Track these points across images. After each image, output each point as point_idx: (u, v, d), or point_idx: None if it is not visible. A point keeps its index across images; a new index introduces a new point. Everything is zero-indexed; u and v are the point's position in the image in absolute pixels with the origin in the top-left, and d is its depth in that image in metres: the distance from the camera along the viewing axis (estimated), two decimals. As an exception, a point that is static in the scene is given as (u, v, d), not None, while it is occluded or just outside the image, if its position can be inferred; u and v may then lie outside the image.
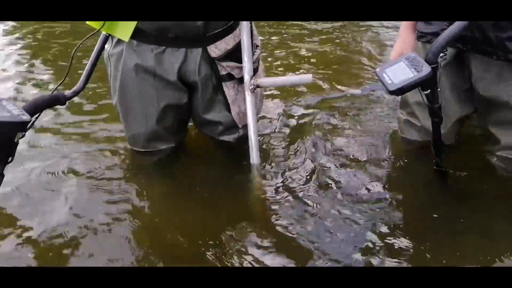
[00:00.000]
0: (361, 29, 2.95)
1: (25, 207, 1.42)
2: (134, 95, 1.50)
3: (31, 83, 2.32)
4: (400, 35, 1.62)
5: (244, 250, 1.23)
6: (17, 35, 3.01)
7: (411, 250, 1.21)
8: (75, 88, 1.38)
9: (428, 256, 1.19)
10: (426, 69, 1.17)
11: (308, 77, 1.43)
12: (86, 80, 1.40)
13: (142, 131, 1.57)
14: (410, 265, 1.17)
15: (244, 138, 1.59)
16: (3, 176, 1.32)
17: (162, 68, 1.46)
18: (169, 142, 1.63)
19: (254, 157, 1.50)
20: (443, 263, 1.17)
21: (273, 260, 1.20)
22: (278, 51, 2.62)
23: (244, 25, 1.40)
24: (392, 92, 1.21)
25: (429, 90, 1.23)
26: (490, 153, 1.49)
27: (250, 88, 1.43)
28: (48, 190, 1.48)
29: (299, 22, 3.04)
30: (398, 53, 1.60)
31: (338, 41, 2.77)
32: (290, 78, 1.80)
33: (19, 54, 2.69)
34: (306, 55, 2.57)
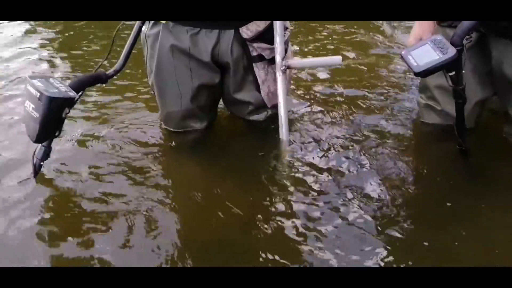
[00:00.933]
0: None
1: (59, 179, 1.50)
2: (170, 74, 1.58)
3: (75, 62, 2.44)
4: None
5: (270, 234, 1.28)
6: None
7: (425, 243, 1.23)
8: (115, 67, 1.47)
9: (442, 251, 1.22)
10: (452, 51, 1.23)
11: (338, 59, 1.49)
12: (125, 60, 1.49)
13: (177, 109, 1.65)
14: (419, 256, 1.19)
15: (273, 118, 1.67)
16: (51, 149, 1.43)
17: (197, 49, 1.53)
18: (202, 120, 1.71)
19: (284, 133, 1.58)
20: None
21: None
22: (304, 36, 2.68)
23: None
24: (417, 74, 1.27)
25: (453, 72, 1.29)
26: (510, 136, 1.55)
27: (281, 69, 1.49)
28: (82, 165, 1.56)
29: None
30: (417, 37, 1.63)
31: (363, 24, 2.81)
32: (320, 59, 1.84)
33: (63, 36, 2.82)
34: (333, 38, 2.63)
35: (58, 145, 1.61)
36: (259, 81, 1.62)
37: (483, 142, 1.61)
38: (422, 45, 1.30)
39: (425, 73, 1.26)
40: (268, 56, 1.58)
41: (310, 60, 1.89)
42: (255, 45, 1.56)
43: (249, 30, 1.52)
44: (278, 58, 1.49)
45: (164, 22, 1.49)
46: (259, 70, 1.61)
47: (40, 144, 1.41)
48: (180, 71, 1.57)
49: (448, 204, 1.35)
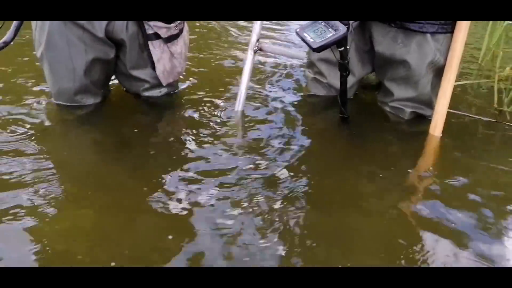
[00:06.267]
0: None
1: None
2: (62, 47, 1.49)
3: None
4: None
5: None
6: None
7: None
8: (4, 38, 1.37)
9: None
10: (343, 29, 1.38)
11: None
12: (16, 31, 1.38)
13: (70, 84, 1.57)
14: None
15: (168, 95, 1.70)
16: None
17: (90, 23, 1.47)
18: (96, 96, 1.65)
19: (240, 105, 1.66)
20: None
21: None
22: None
23: None
24: (315, 49, 1.40)
25: (342, 48, 1.45)
26: (383, 103, 1.80)
27: (254, 48, 1.55)
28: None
29: None
30: None
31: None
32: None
33: None
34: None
35: None
36: (154, 59, 1.62)
37: (360, 110, 1.83)
38: (315, 23, 1.43)
39: (321, 49, 1.40)
40: (164, 35, 1.59)
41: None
42: (151, 23, 1.55)
43: None
44: (254, 38, 1.53)
45: None
46: (154, 48, 1.60)
47: None
48: (73, 43, 1.49)
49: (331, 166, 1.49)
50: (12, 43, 1.35)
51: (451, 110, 1.72)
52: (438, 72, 1.60)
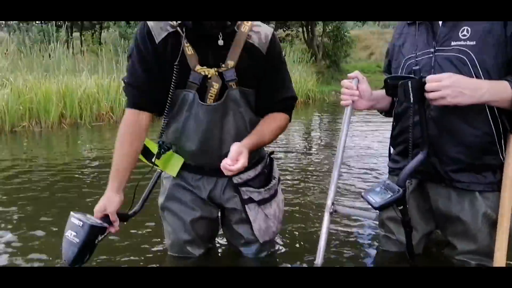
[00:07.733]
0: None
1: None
2: (176, 206, 1.94)
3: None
4: None
5: None
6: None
7: None
8: (135, 208, 1.82)
9: None
10: (399, 191, 1.69)
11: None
12: (143, 203, 1.85)
13: (181, 236, 1.96)
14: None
15: (263, 255, 2.00)
16: None
17: (198, 190, 1.93)
18: (201, 248, 2.02)
19: (320, 258, 1.83)
20: None
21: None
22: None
23: (338, 161, 1.81)
24: (376, 208, 1.70)
25: (401, 206, 1.74)
26: (450, 256, 1.95)
27: (329, 210, 1.82)
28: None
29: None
30: None
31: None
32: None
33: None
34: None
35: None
36: (251, 219, 1.94)
37: (430, 263, 1.99)
38: (376, 187, 1.76)
39: (382, 207, 1.70)
40: (257, 198, 1.94)
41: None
42: (244, 189, 1.92)
43: (241, 178, 1.90)
44: (329, 202, 1.82)
45: (175, 176, 1.89)
46: (250, 210, 1.94)
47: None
48: (184, 203, 1.93)
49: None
50: (139, 213, 1.80)
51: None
52: (494, 225, 1.77)
